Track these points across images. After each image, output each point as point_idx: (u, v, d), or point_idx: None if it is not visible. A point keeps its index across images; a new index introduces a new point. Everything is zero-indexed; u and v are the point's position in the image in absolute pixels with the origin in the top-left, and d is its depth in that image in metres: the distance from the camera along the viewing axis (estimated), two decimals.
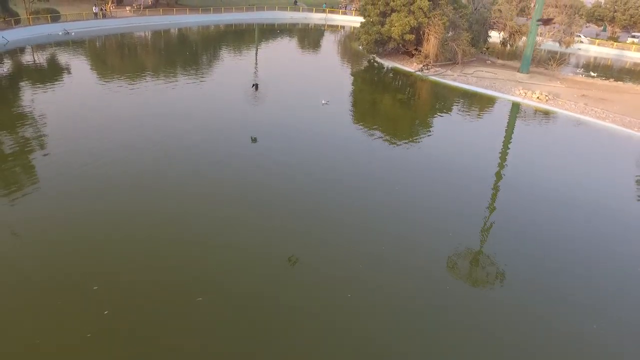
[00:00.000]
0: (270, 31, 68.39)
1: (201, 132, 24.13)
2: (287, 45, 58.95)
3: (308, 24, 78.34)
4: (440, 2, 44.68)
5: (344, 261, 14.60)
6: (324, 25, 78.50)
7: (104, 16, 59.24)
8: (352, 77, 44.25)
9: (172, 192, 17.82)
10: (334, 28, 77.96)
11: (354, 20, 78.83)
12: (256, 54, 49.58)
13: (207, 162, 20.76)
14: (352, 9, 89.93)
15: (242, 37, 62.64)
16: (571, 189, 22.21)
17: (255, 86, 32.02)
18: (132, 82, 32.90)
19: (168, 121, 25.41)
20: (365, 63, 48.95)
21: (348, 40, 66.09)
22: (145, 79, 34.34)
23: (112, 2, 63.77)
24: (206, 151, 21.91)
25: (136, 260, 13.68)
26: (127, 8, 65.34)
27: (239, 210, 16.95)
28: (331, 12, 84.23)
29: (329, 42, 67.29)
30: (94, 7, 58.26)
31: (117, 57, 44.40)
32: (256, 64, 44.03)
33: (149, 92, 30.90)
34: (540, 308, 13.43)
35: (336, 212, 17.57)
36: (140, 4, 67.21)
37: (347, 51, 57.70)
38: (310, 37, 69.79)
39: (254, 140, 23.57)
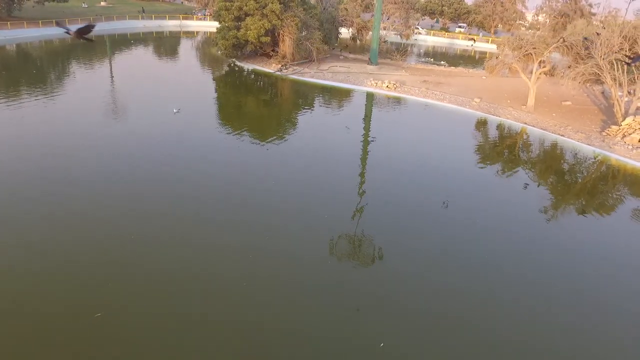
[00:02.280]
0: (123, 41, 65.38)
1: (52, 150, 22.89)
2: (143, 55, 56.88)
3: (163, 32, 76.24)
4: (291, 4, 46.90)
5: (236, 257, 15.40)
6: (180, 32, 77.04)
7: None
8: (214, 82, 44.52)
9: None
10: (189, 34, 76.93)
11: (209, 26, 78.67)
12: (110, 65, 47.34)
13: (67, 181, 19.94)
14: (207, 14, 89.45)
15: (92, 49, 58.93)
16: (425, 160, 25.64)
17: None
18: None
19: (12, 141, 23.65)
20: (226, 67, 49.50)
21: (206, 46, 65.87)
22: None
23: None
24: (61, 170, 20.96)
25: None
26: None
27: (114, 229, 16.79)
28: (185, 18, 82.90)
29: (187, 49, 66.46)
30: None
31: None
32: (111, 76, 42.16)
33: None
34: (425, 269, 15.68)
35: (218, 214, 18.21)
36: None
37: (206, 57, 57.62)
38: (166, 45, 68.10)
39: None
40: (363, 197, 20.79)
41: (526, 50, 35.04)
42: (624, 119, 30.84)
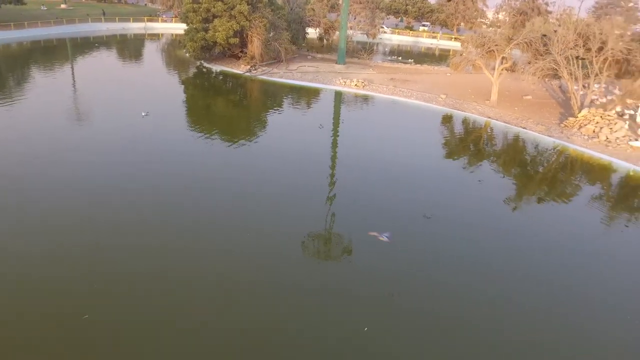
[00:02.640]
0: (87, 45, 63.90)
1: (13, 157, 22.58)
2: (108, 58, 55.76)
3: (127, 34, 74.99)
4: (258, 5, 47.14)
5: (213, 258, 15.71)
6: (144, 35, 75.98)
7: None
8: (183, 85, 44.17)
9: None
10: (155, 37, 75.96)
11: (175, 28, 77.94)
12: (72, 69, 46.41)
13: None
14: (173, 16, 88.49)
15: (53, 53, 57.58)
16: (395, 156, 26.46)
17: None
18: None
19: None
20: (194, 69, 49.23)
21: (172, 48, 65.24)
22: None
23: None
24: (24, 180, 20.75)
25: None
26: None
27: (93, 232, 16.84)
28: (150, 20, 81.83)
29: (153, 51, 65.58)
30: None
31: None
32: (74, 80, 41.37)
33: None
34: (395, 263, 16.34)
35: (191, 215, 18.41)
36: None
37: (174, 59, 57.09)
38: (132, 48, 66.96)
39: None
40: (336, 195, 21.38)
41: (489, 47, 36.41)
42: (580, 111, 32.49)
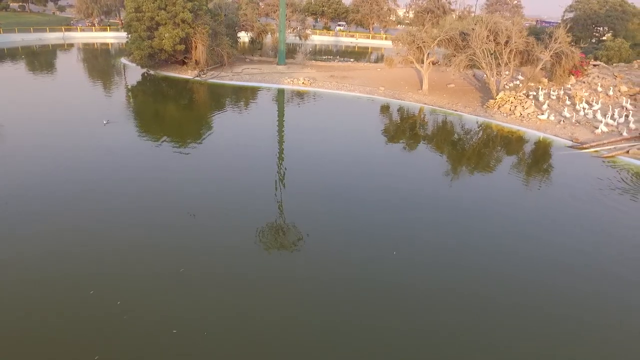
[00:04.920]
0: (3, 56, 61.31)
1: None
2: (33, 73, 53.75)
3: (46, 45, 72.54)
4: (199, 12, 49.58)
5: (167, 262, 16.07)
6: (64, 44, 74.13)
7: None
8: (131, 93, 44.41)
9: None
10: (80, 46, 74.36)
11: (98, 37, 77.04)
12: None
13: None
14: (88, 24, 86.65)
15: None
16: (342, 146, 30.57)
17: None
18: None
19: None
20: (139, 77, 50.25)
21: (103, 58, 64.83)
22: None
23: None
24: None
25: None
26: None
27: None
28: (68, 29, 79.69)
29: (86, 62, 64.45)
30: None
31: None
32: None
33: None
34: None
35: (147, 220, 18.88)
36: None
37: (112, 68, 57.28)
38: (57, 59, 65.10)
39: None
40: (287, 186, 23.70)
41: (417, 44, 42.44)
42: (497, 94, 39.47)
